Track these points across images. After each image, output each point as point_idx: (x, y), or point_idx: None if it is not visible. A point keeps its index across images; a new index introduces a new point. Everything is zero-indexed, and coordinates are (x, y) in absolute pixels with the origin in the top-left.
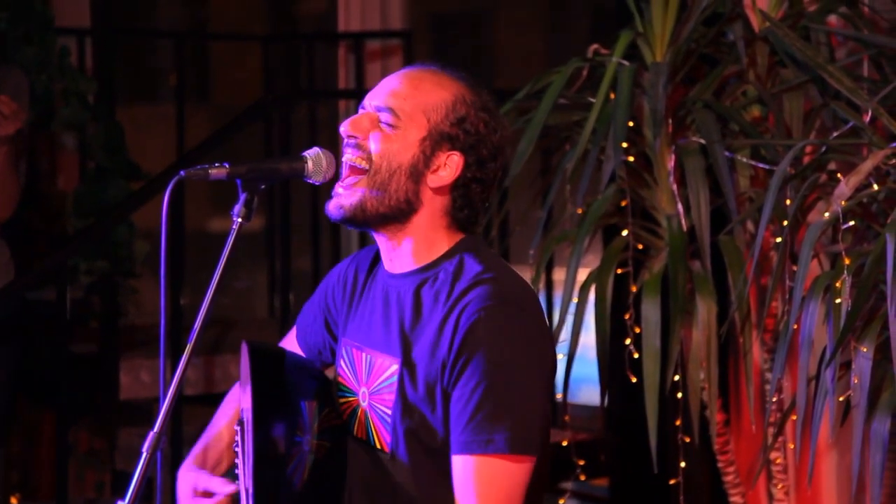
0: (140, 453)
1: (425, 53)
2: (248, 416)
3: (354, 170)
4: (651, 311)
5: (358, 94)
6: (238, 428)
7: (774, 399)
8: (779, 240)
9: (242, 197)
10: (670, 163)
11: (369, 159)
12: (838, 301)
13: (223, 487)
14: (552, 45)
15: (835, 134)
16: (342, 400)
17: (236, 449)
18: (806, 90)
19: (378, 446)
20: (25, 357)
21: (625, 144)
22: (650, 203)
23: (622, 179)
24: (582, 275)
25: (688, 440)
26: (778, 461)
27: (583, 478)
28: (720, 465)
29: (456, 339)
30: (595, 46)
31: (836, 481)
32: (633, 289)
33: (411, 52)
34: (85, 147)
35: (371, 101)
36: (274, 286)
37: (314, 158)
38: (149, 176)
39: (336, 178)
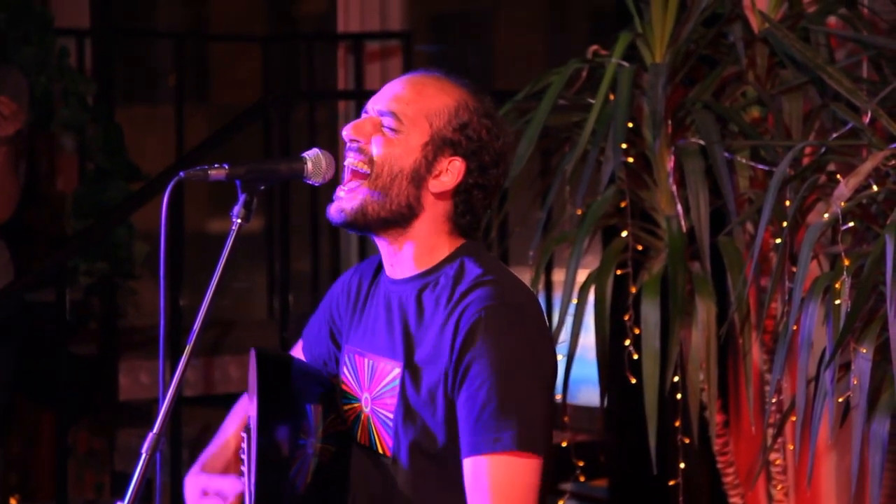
0: (139, 454)
1: (424, 54)
2: (253, 420)
3: (356, 174)
4: (650, 312)
5: (357, 94)
6: (244, 434)
7: (774, 400)
8: (778, 241)
9: (242, 198)
10: (670, 164)
11: (371, 163)
12: (838, 302)
13: (234, 488)
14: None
15: (834, 135)
16: (346, 406)
17: (242, 456)
18: (805, 91)
19: (380, 451)
20: (25, 358)
21: (624, 145)
22: (650, 204)
23: (621, 180)
24: (581, 276)
25: (687, 441)
26: (777, 462)
27: (582, 479)
28: (720, 466)
29: (457, 341)
30: (594, 47)
31: (836, 482)
32: (633, 290)
33: (410, 53)
34: (84, 148)
35: (374, 105)
36: (273, 287)
37: (313, 159)
38: (148, 177)
39: (336, 179)
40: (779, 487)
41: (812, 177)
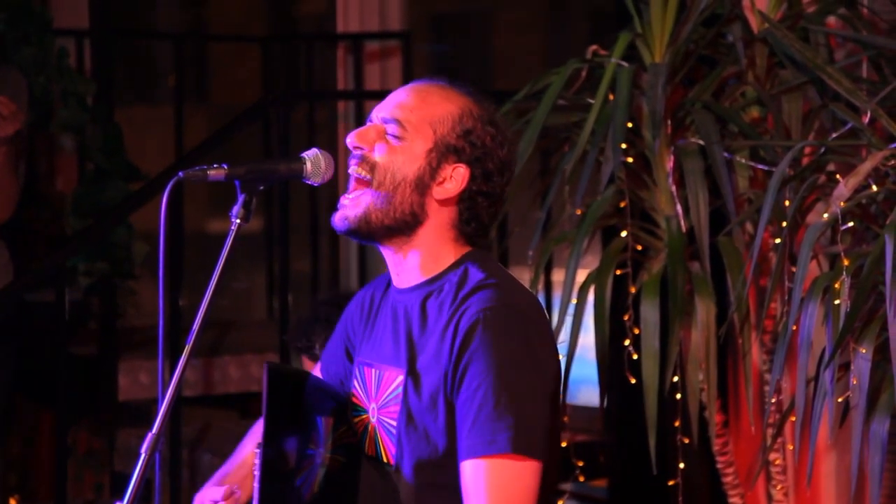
0: (139, 454)
1: (424, 54)
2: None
3: (360, 181)
4: (650, 312)
5: (357, 95)
6: (258, 451)
7: (773, 400)
8: (778, 241)
9: (241, 198)
10: (669, 164)
11: (374, 170)
12: (837, 302)
13: (219, 492)
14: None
15: (834, 135)
16: (356, 419)
17: (256, 472)
18: (805, 91)
19: (384, 460)
20: (24, 358)
21: (624, 145)
22: (649, 204)
23: (621, 180)
24: (581, 276)
25: (687, 441)
26: (777, 462)
27: (582, 479)
28: (719, 466)
29: (456, 342)
30: (594, 47)
31: (836, 482)
32: (632, 290)
33: (410, 53)
34: (83, 148)
35: (378, 113)
36: (273, 288)
37: (313, 159)
38: (147, 177)
39: (335, 179)
40: (778, 487)
41: (811, 177)
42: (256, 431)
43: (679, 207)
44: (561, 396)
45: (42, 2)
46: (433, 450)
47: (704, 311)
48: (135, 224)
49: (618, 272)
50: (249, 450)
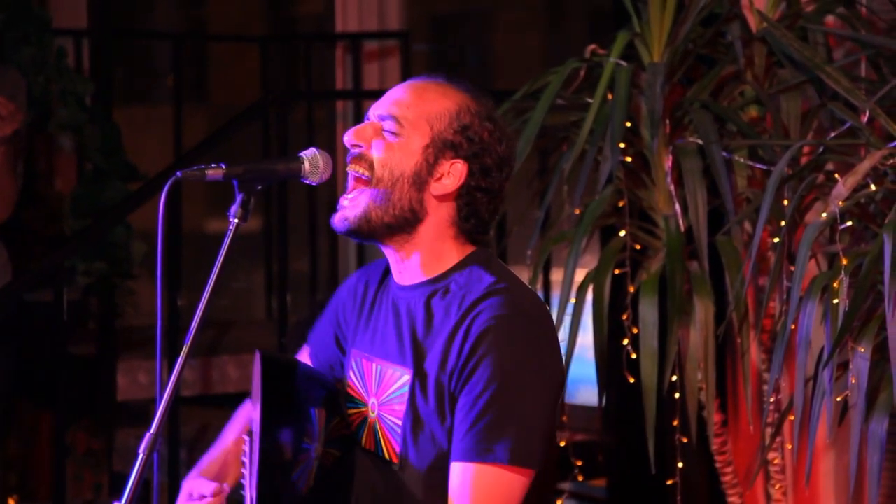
0: (137, 454)
1: (423, 54)
2: (256, 422)
3: (358, 180)
4: (649, 311)
5: (356, 94)
6: (247, 438)
7: (772, 399)
8: (776, 240)
9: (239, 197)
10: (668, 163)
11: (372, 168)
12: (836, 301)
13: (207, 487)
14: (550, 45)
15: (832, 134)
16: (351, 410)
17: (244, 459)
18: (803, 90)
19: (387, 457)
20: (23, 358)
21: (622, 145)
22: (648, 203)
23: (619, 180)
24: (579, 275)
25: (685, 440)
26: (776, 461)
27: (580, 478)
28: (718, 465)
29: (466, 345)
30: (592, 47)
31: (834, 481)
32: (631, 289)
33: (409, 53)
34: (82, 148)
35: (375, 111)
36: (271, 287)
37: (311, 159)
38: (146, 177)
39: (333, 179)
40: (777, 487)
41: (810, 176)
42: (241, 415)
43: (677, 207)
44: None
45: (41, 2)
46: (440, 450)
47: (703, 310)
48: (133, 224)
49: (616, 271)
50: (235, 435)
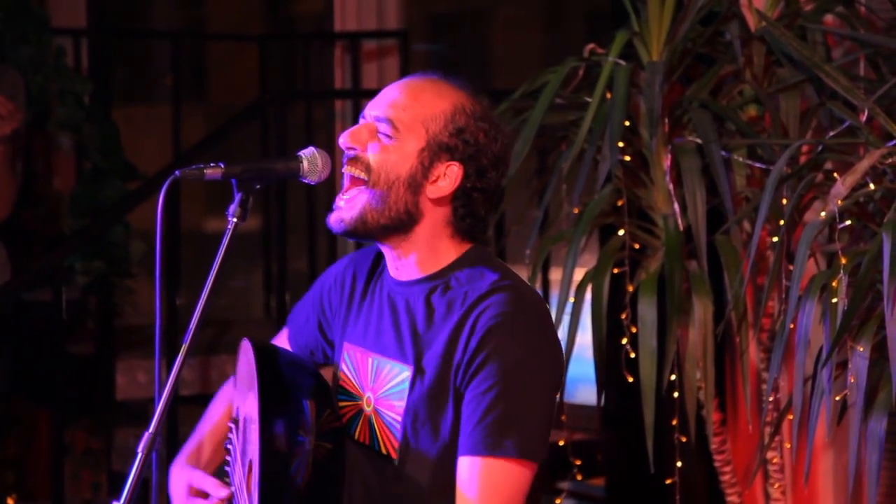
0: (136, 454)
1: (421, 53)
2: (251, 414)
3: (354, 181)
4: (647, 310)
5: (354, 94)
6: (232, 425)
7: (771, 398)
8: (775, 239)
9: (238, 197)
10: (667, 162)
11: (368, 170)
12: (835, 300)
13: (218, 490)
14: (548, 44)
15: (831, 133)
16: (344, 403)
17: (228, 447)
18: (802, 90)
19: (385, 451)
20: (22, 357)
21: (621, 144)
22: (646, 202)
23: (618, 179)
24: (578, 274)
25: (684, 440)
26: (774, 461)
27: (579, 477)
28: (717, 464)
29: (472, 342)
30: (591, 46)
31: (833, 481)
32: (630, 288)
33: (407, 52)
34: (81, 147)
35: (370, 111)
36: (270, 286)
37: (310, 158)
38: (145, 176)
39: (332, 178)
40: (776, 486)
41: (809, 175)
42: (223, 397)
43: (676, 206)
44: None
45: (39, 1)
46: (441, 445)
47: (702, 309)
48: (132, 223)
49: (615, 271)
50: (218, 418)
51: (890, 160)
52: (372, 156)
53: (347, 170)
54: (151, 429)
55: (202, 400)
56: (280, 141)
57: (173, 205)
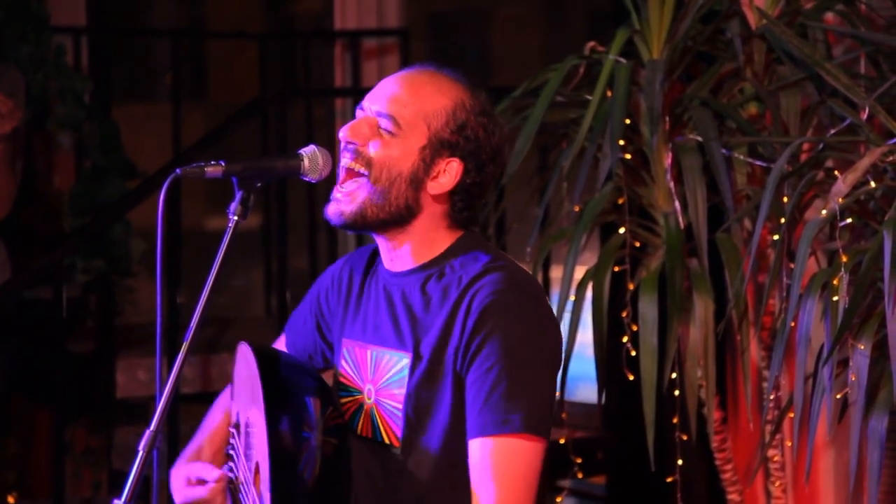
0: (136, 452)
1: (422, 51)
2: (254, 415)
3: (352, 173)
4: (648, 308)
5: (354, 92)
6: (233, 430)
7: (772, 397)
8: (776, 237)
9: (238, 195)
10: (667, 160)
11: (369, 165)
12: (836, 298)
13: (211, 473)
14: (549, 42)
15: (832, 131)
16: (345, 399)
17: (230, 452)
18: (803, 87)
19: (387, 441)
20: (22, 356)
21: (622, 142)
22: (647, 201)
23: (619, 177)
24: (579, 272)
25: (685, 438)
26: (775, 459)
27: (580, 475)
28: (718, 462)
29: (469, 322)
30: (592, 44)
31: (834, 479)
32: (631, 286)
33: (408, 51)
34: (81, 146)
35: (370, 105)
36: (270, 285)
37: (310, 156)
38: (145, 174)
39: (333, 177)
40: (777, 484)
41: (810, 173)
42: (222, 403)
43: (677, 204)
44: (556, 390)
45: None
46: (442, 430)
47: (703, 307)
48: (132, 221)
49: (616, 269)
50: (217, 422)
51: (891, 158)
52: (373, 151)
53: (348, 164)
54: (152, 427)
55: (203, 398)
56: (280, 139)
57: (174, 203)
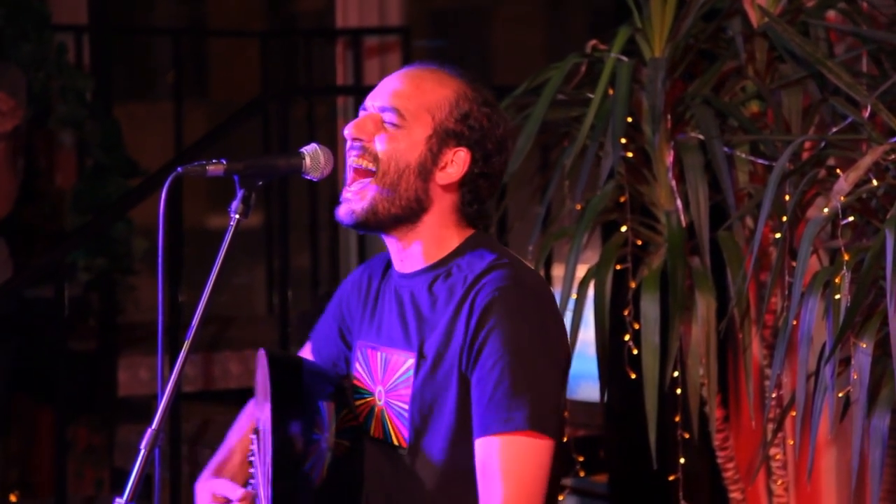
0: (138, 450)
1: (423, 49)
2: (266, 419)
3: (361, 172)
4: (650, 307)
5: (356, 90)
6: (254, 437)
7: (774, 395)
8: (778, 235)
9: (240, 193)
10: (669, 159)
11: (376, 161)
12: (838, 297)
13: (236, 492)
14: (550, 40)
15: (834, 129)
16: (359, 402)
17: (251, 458)
18: (805, 86)
19: (396, 443)
20: (24, 354)
21: (623, 140)
22: (649, 199)
23: (621, 175)
24: (581, 271)
25: (687, 436)
26: (777, 457)
27: (582, 474)
28: (719, 461)
29: (472, 320)
30: (593, 42)
31: (836, 477)
32: (633, 285)
33: (409, 49)
34: (83, 144)
35: (373, 102)
36: (272, 283)
37: (312, 154)
38: (147, 173)
39: (334, 174)
40: (779, 482)
41: (812, 171)
42: (246, 416)
43: (679, 202)
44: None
45: None
46: (447, 429)
47: (704, 305)
48: (134, 220)
49: (618, 267)
50: (240, 435)
51: (893, 156)
52: (379, 146)
53: (355, 162)
54: (154, 425)
55: (205, 396)
56: (282, 137)
57: (175, 201)
